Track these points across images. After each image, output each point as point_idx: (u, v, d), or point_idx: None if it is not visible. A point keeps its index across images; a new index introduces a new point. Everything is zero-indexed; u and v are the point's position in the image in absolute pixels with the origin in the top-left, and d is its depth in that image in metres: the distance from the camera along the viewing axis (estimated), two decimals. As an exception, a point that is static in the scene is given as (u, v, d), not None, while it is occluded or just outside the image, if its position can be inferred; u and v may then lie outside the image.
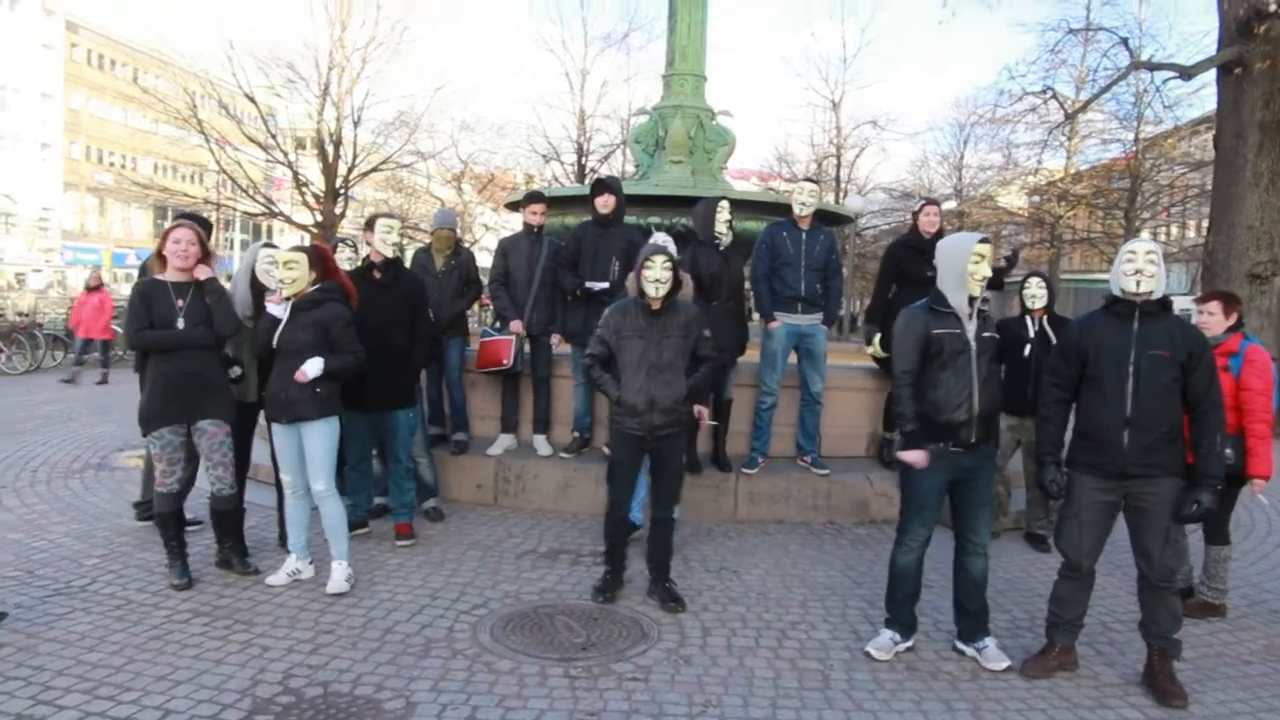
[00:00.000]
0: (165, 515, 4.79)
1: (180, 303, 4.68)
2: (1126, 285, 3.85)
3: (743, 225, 7.43)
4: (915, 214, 6.99)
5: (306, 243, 5.84)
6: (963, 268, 3.98)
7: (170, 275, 4.74)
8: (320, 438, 4.80)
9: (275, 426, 4.84)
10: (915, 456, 4.06)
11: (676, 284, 4.69)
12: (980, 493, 4.13)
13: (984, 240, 4.07)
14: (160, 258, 4.76)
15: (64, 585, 4.76)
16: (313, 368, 4.66)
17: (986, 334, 4.04)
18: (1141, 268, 3.81)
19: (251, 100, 23.71)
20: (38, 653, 3.91)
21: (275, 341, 4.75)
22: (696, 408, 5.32)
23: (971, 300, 4.02)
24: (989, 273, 4.04)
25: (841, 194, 32.16)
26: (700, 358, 4.84)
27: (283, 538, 5.36)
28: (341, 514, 4.95)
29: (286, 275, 4.74)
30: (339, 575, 4.83)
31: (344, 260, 6.14)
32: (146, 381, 4.76)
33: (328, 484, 4.86)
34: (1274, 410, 4.63)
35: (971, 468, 4.07)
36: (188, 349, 4.67)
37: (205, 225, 5.79)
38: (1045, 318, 5.93)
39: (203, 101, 24.42)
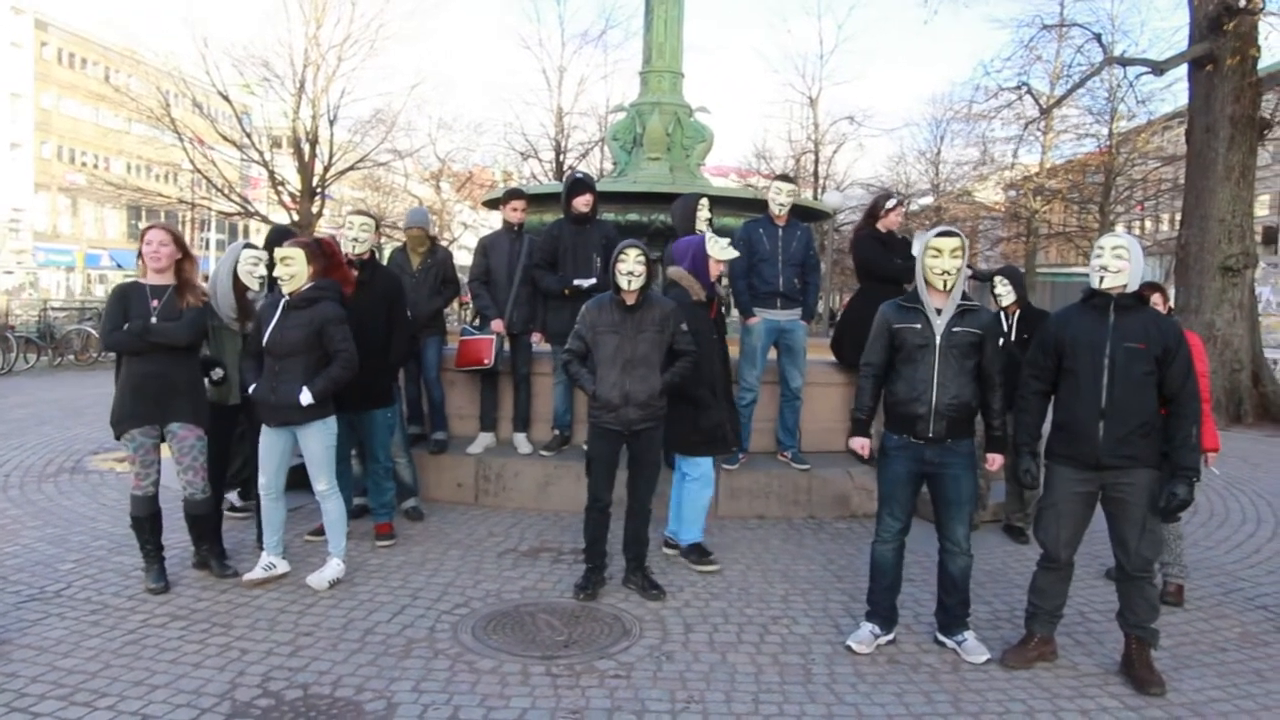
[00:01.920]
0: (141, 519, 4.73)
1: (155, 304, 4.62)
2: (1093, 281, 3.90)
3: (721, 222, 7.43)
4: (886, 210, 6.76)
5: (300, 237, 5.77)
6: (922, 262, 4.05)
7: (150, 278, 4.69)
8: (318, 442, 4.79)
9: (264, 427, 4.81)
10: (857, 443, 4.35)
11: (650, 277, 4.74)
12: (951, 490, 4.11)
13: (944, 233, 4.05)
14: (143, 260, 4.71)
15: (38, 590, 4.70)
16: (304, 399, 4.64)
17: (959, 329, 4.02)
18: (1107, 264, 3.84)
19: (226, 99, 23.48)
20: (11, 660, 3.85)
21: (265, 341, 4.72)
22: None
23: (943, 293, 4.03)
24: (949, 266, 3.97)
25: (819, 189, 32.26)
26: (677, 352, 4.85)
27: (260, 539, 5.33)
28: (342, 511, 4.97)
29: (284, 272, 4.71)
30: (327, 572, 4.83)
31: None
32: (118, 383, 4.71)
33: (329, 483, 4.86)
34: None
35: (938, 462, 4.07)
36: (158, 351, 4.60)
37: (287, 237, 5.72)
38: (1019, 312, 5.97)
39: (176, 100, 24.18)
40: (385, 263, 6.91)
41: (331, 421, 4.85)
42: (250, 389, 4.77)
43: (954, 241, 4.01)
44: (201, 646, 4.04)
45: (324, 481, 4.85)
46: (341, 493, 5.77)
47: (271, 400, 4.69)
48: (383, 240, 32.44)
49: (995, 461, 4.22)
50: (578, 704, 3.61)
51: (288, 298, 4.73)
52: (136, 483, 4.71)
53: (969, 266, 6.81)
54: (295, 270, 4.71)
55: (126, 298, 4.62)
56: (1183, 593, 5.00)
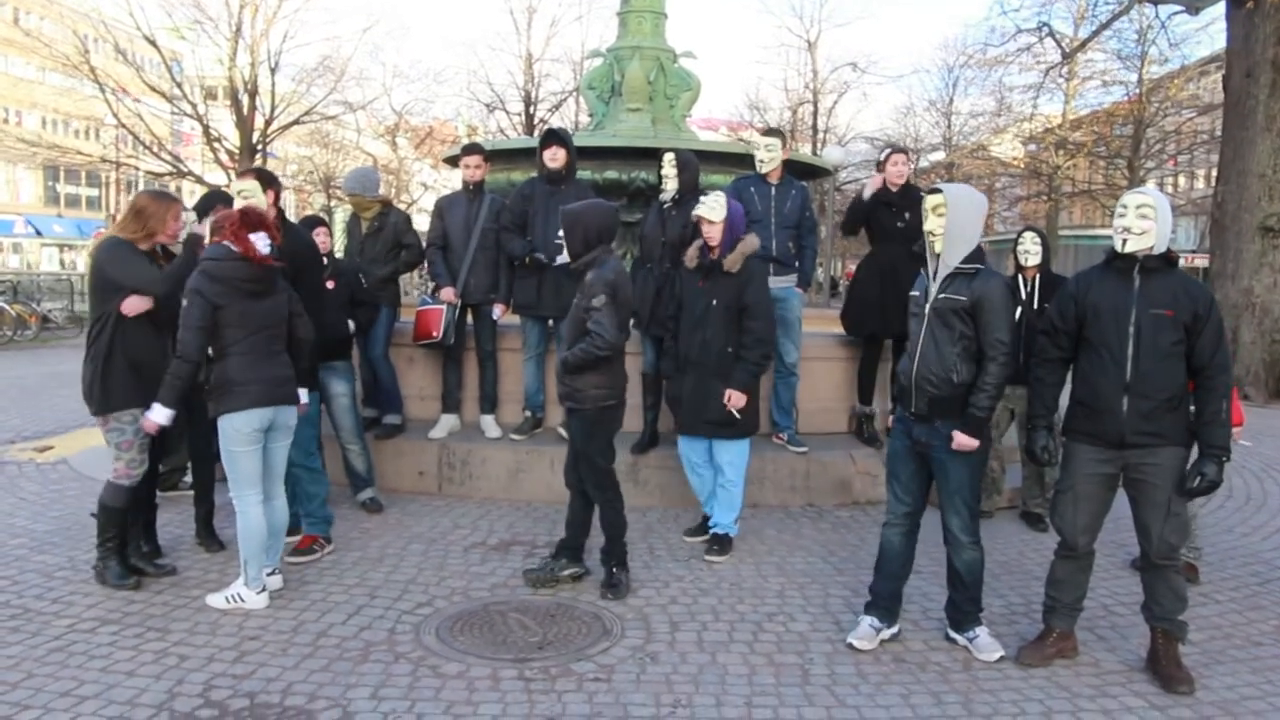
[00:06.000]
0: (121, 511, 4.73)
1: None
2: (1115, 244, 3.92)
3: (709, 180, 7.43)
4: (881, 163, 6.98)
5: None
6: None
7: (144, 246, 4.77)
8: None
9: None
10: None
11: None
12: (939, 476, 4.16)
13: (930, 190, 4.13)
14: (150, 234, 4.76)
15: (-50, 594, 4.69)
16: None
17: (943, 296, 4.04)
18: (1130, 225, 3.84)
19: (153, 44, 23.23)
20: (-77, 670, 3.85)
21: None
22: (727, 392, 5.31)
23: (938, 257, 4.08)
24: (933, 227, 4.03)
25: (819, 144, 32.27)
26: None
27: (199, 534, 5.41)
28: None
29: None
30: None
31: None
32: (116, 355, 4.66)
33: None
34: None
35: (924, 442, 4.14)
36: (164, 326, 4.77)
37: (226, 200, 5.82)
38: (1039, 276, 6.02)
39: (96, 46, 23.92)
40: (341, 230, 6.87)
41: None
42: None
43: (935, 199, 4.04)
44: (135, 653, 4.05)
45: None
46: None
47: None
48: (333, 204, 32.34)
49: (959, 442, 4.02)
50: (553, 710, 3.65)
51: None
52: (126, 471, 4.70)
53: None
54: (255, 200, 4.90)
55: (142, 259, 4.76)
56: (1197, 572, 5.19)
